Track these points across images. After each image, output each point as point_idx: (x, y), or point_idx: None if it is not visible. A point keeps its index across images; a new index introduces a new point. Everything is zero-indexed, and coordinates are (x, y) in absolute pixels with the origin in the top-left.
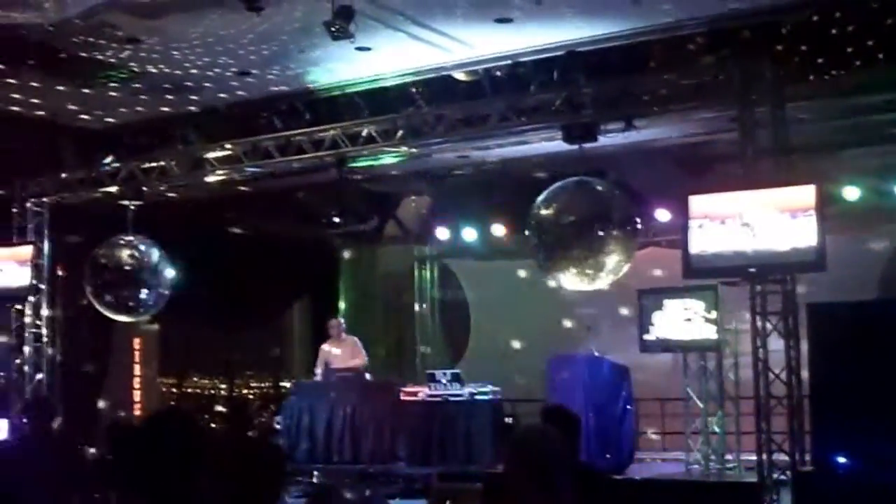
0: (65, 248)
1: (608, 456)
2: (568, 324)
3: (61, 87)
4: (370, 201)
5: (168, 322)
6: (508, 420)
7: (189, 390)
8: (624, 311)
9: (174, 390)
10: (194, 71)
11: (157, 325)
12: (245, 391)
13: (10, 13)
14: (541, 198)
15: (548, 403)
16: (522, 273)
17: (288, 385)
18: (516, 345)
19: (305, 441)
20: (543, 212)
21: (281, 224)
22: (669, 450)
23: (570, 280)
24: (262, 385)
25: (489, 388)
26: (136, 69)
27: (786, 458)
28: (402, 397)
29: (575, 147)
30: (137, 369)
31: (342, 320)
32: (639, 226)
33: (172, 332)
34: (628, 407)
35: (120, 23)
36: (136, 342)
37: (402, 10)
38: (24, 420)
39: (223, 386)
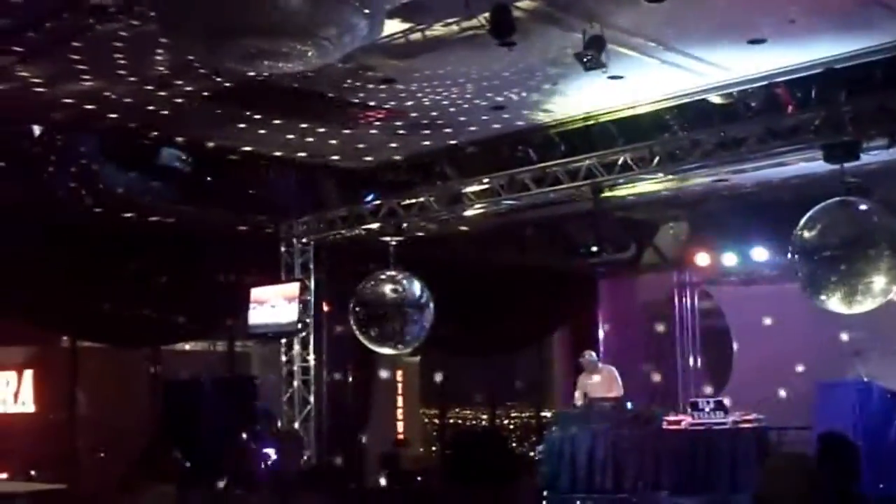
0: (329, 283)
1: (881, 486)
2: (834, 348)
3: (321, 129)
4: (628, 230)
5: (429, 354)
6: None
7: (451, 421)
8: (894, 335)
9: (436, 421)
10: (449, 107)
11: (418, 356)
12: (506, 421)
13: (276, 64)
14: (803, 220)
15: (824, 431)
16: (785, 297)
17: (548, 415)
18: (780, 371)
19: (567, 470)
20: (807, 234)
21: (538, 255)
22: None
23: (836, 304)
24: (523, 415)
25: (753, 415)
26: (392, 108)
27: None
28: (664, 426)
29: (835, 167)
30: (400, 401)
31: (593, 353)
32: None
33: (433, 364)
34: None
35: (377, 64)
36: (398, 374)
37: (654, 37)
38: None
39: (484, 416)
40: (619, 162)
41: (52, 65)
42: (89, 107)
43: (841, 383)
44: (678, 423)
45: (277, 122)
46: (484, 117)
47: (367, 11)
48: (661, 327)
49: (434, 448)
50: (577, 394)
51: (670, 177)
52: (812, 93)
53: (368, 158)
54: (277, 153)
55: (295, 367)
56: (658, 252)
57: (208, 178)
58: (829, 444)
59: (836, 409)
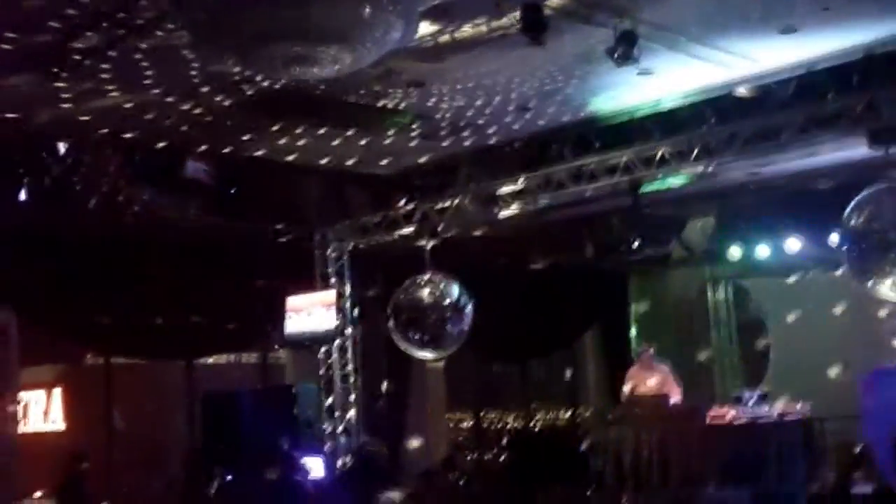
0: (365, 290)
1: None
2: (874, 337)
3: (350, 135)
4: (661, 225)
5: (455, 357)
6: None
7: (482, 424)
8: None
9: (465, 424)
10: (479, 108)
11: (443, 360)
12: (536, 422)
13: (309, 69)
14: (850, 206)
15: None
16: (821, 287)
17: (582, 413)
18: (819, 361)
19: (613, 467)
20: (853, 221)
21: (569, 253)
22: None
23: (886, 291)
24: (555, 415)
25: (798, 405)
26: (421, 111)
27: None
28: (708, 420)
29: (868, 154)
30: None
31: (652, 350)
32: None
33: (460, 367)
34: None
35: (405, 68)
36: (428, 378)
37: (683, 31)
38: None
39: (509, 419)
40: (657, 156)
41: (79, 81)
42: (116, 121)
43: (887, 371)
44: (722, 416)
45: (305, 129)
46: (515, 117)
47: (401, 14)
48: (693, 322)
49: (472, 451)
50: (627, 387)
51: (710, 169)
52: (853, 79)
53: (399, 162)
54: (307, 161)
55: (334, 375)
56: (685, 247)
57: (237, 189)
58: None
59: (885, 397)
